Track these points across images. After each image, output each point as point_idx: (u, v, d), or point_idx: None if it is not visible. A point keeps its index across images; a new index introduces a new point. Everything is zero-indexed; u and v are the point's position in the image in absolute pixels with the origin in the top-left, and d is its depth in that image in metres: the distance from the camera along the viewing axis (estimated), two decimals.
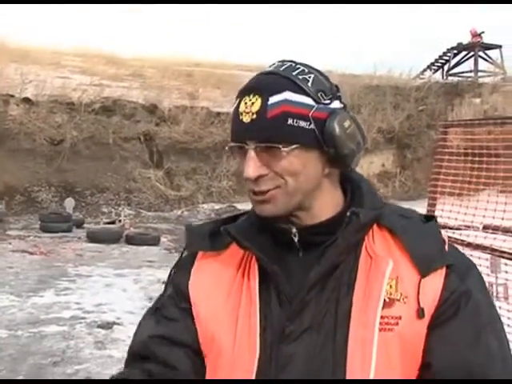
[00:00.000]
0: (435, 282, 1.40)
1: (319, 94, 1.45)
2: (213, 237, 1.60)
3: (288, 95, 1.44)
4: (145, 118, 20.07)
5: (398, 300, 1.40)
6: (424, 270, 1.41)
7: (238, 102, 1.47)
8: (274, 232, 1.54)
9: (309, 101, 1.45)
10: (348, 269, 1.46)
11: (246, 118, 1.43)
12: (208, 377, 1.53)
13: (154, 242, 14.26)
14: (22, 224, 16.01)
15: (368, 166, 21.11)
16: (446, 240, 1.48)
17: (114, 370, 6.81)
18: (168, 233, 15.59)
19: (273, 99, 1.43)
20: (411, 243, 1.45)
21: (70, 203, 17.23)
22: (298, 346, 1.47)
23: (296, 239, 1.51)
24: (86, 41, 26.16)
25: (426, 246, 1.44)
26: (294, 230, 1.51)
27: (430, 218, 1.55)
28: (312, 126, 1.42)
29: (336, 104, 1.47)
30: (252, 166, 1.45)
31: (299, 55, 26.17)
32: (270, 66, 1.52)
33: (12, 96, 18.66)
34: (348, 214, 1.47)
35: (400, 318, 1.39)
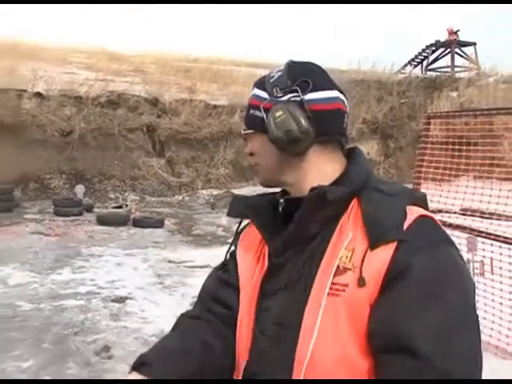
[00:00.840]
0: (383, 254, 1.38)
1: (274, 89, 1.55)
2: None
3: (254, 90, 1.61)
4: (147, 110, 19.99)
5: (350, 269, 1.41)
6: (373, 242, 1.40)
7: None
8: (271, 201, 1.66)
9: (264, 94, 1.58)
10: (323, 240, 1.49)
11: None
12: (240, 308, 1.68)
13: (159, 224, 14.27)
14: (37, 208, 15.96)
15: None
16: (413, 217, 1.44)
17: (128, 339, 6.96)
18: (171, 216, 15.58)
19: (250, 95, 1.62)
20: (369, 217, 1.45)
21: (80, 189, 17.21)
22: (273, 301, 1.57)
23: (280, 209, 1.62)
24: (90, 39, 25.96)
25: (382, 220, 1.43)
26: (281, 201, 1.62)
27: (418, 196, 1.55)
28: (262, 114, 1.56)
29: (287, 97, 1.54)
30: (246, 145, 1.65)
31: (290, 52, 26.10)
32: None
33: (25, 91, 18.53)
34: (310, 190, 1.53)
35: (347, 285, 1.40)
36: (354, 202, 1.49)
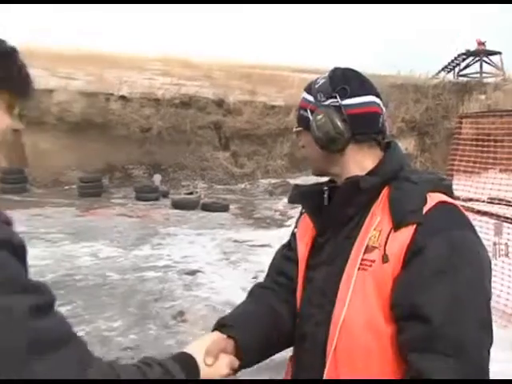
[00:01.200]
0: (404, 235, 1.39)
1: (318, 94, 1.57)
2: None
3: (304, 94, 1.64)
4: (214, 110, 20.06)
5: (377, 247, 1.43)
6: (396, 225, 1.41)
7: None
8: (316, 186, 1.68)
9: (310, 98, 1.60)
10: (358, 223, 1.51)
11: None
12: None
13: (224, 209, 14.28)
14: (121, 194, 16.22)
15: None
16: (433, 203, 1.44)
17: (199, 306, 7.05)
18: (234, 202, 15.62)
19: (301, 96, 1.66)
20: (394, 203, 1.46)
21: (157, 178, 17.39)
22: (316, 273, 1.62)
23: (325, 195, 1.64)
24: (166, 49, 26.14)
25: (405, 205, 1.43)
26: (325, 188, 1.64)
27: (442, 184, 1.54)
28: (308, 115, 1.59)
29: (328, 102, 1.56)
30: (300, 142, 1.69)
31: (342, 59, 25.82)
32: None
33: (111, 94, 18.81)
34: (345, 179, 1.56)
35: (374, 261, 1.42)
36: (385, 190, 1.51)
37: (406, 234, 1.40)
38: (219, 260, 9.35)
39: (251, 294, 1.89)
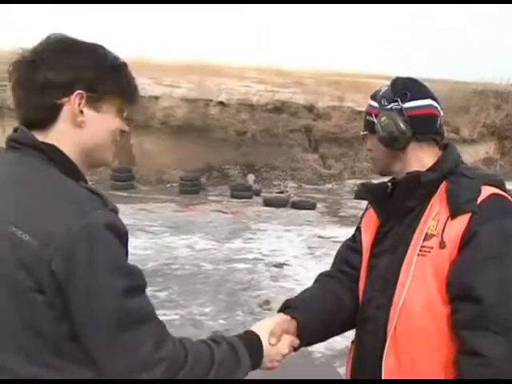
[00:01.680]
0: (460, 223, 1.46)
1: (382, 100, 1.65)
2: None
3: (369, 101, 1.72)
4: (305, 115, 20.03)
5: (435, 235, 1.49)
6: (452, 214, 1.48)
7: None
8: (381, 184, 1.76)
9: (375, 104, 1.68)
10: (418, 214, 1.57)
11: None
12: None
13: (312, 207, 14.25)
14: (217, 192, 16.42)
15: (476, 153, 20.23)
16: (486, 195, 1.49)
17: (284, 296, 7.12)
18: (322, 201, 15.57)
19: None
20: (451, 194, 1.52)
21: (251, 178, 17.55)
22: (379, 260, 1.69)
23: (389, 190, 1.71)
24: (262, 59, 26.32)
25: (460, 197, 1.49)
26: (389, 184, 1.71)
27: (494, 179, 1.58)
28: (373, 119, 1.66)
29: (390, 106, 1.63)
30: (367, 144, 1.75)
31: (422, 67, 25.07)
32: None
33: (211, 100, 19.11)
34: (406, 174, 1.62)
35: (432, 247, 1.49)
36: (443, 185, 1.57)
37: (462, 222, 1.46)
38: (304, 254, 9.36)
39: (317, 281, 1.93)
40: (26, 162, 1.29)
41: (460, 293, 1.44)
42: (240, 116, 19.14)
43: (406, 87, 1.63)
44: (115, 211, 1.29)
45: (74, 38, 1.38)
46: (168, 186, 16.81)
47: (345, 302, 1.82)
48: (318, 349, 5.22)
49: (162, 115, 17.99)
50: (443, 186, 1.57)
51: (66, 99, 1.31)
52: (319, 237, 10.64)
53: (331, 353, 5.23)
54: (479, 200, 1.48)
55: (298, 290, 7.08)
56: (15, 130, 1.35)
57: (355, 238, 1.90)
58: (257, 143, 18.75)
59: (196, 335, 5.64)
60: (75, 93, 1.32)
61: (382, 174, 1.77)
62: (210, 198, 15.54)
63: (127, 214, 11.74)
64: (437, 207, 1.53)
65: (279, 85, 23.29)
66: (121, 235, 1.25)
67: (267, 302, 6.79)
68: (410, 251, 1.54)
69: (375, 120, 1.65)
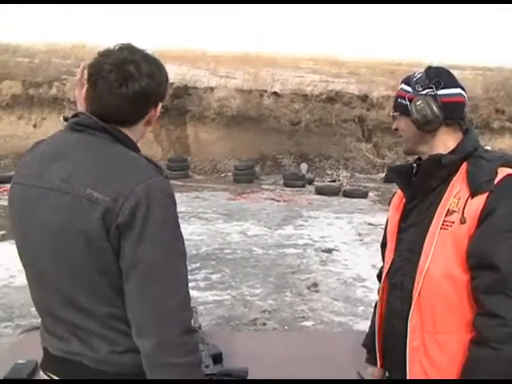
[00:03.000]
0: (478, 201, 1.62)
1: (416, 85, 1.76)
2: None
3: (402, 85, 1.83)
4: (358, 105, 19.90)
5: (456, 211, 1.66)
6: (472, 193, 1.64)
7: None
8: (408, 166, 1.90)
9: (408, 88, 1.79)
10: (440, 192, 1.73)
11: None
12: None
13: (364, 195, 14.29)
14: (271, 181, 16.60)
15: None
16: (503, 175, 1.64)
17: (332, 279, 7.26)
18: (374, 190, 15.58)
19: (398, 88, 1.84)
20: (471, 175, 1.67)
21: (304, 167, 17.61)
22: (406, 234, 1.84)
23: (414, 171, 1.86)
24: (318, 49, 26.26)
25: (480, 177, 1.65)
26: (414, 165, 1.87)
27: (509, 159, 1.73)
28: (406, 102, 1.78)
29: (425, 92, 1.76)
30: (393, 123, 1.88)
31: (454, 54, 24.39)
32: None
33: (265, 91, 19.24)
34: (444, 156, 1.73)
35: (453, 222, 1.65)
36: (464, 166, 1.72)
37: (480, 200, 1.62)
38: (354, 240, 9.48)
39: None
40: (93, 140, 1.56)
41: (479, 262, 1.60)
42: (294, 106, 19.18)
43: (439, 76, 1.77)
44: (167, 177, 1.57)
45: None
46: (222, 175, 17.15)
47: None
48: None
49: (217, 106, 18.26)
50: (464, 166, 1.71)
51: (151, 110, 1.64)
52: (369, 224, 10.69)
53: None
54: (496, 180, 1.63)
55: (346, 274, 7.28)
56: (75, 116, 1.63)
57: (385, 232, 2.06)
58: (310, 133, 18.77)
59: (246, 314, 5.93)
60: (158, 104, 1.65)
61: (408, 154, 1.91)
62: (263, 186, 15.72)
63: (182, 201, 12.12)
64: (458, 186, 1.69)
65: (334, 75, 23.22)
66: (171, 196, 1.54)
67: (315, 285, 6.97)
68: (433, 224, 1.70)
69: (408, 103, 1.79)
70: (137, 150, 1.61)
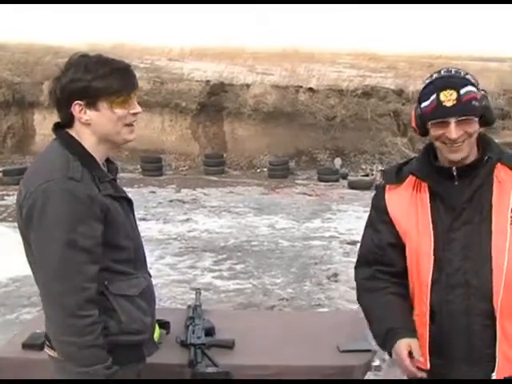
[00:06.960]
0: None
1: (477, 86, 1.82)
2: (397, 174, 1.99)
3: (470, 88, 1.79)
4: (394, 99, 19.76)
5: None
6: None
7: (435, 95, 1.80)
8: (439, 169, 1.91)
9: (475, 89, 1.80)
10: (487, 190, 1.82)
11: (449, 104, 1.77)
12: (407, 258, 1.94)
13: None
14: (305, 176, 16.77)
15: None
16: None
17: (353, 270, 7.49)
18: None
19: (463, 91, 1.78)
20: None
21: (338, 162, 17.68)
22: (459, 233, 1.86)
23: (455, 173, 1.88)
24: (356, 44, 26.20)
25: None
26: (454, 169, 1.88)
27: None
28: (478, 103, 1.80)
29: (482, 92, 1.84)
30: (455, 131, 1.79)
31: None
32: (443, 72, 1.86)
33: (301, 87, 19.34)
34: (486, 158, 1.84)
35: None
36: (498, 161, 1.86)
37: None
38: None
39: (369, 290, 2.20)
40: (51, 146, 1.92)
41: None
42: (329, 101, 19.24)
43: (472, 75, 1.84)
44: (77, 180, 1.78)
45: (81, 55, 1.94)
46: (258, 170, 17.38)
47: (405, 294, 2.02)
48: None
49: (253, 102, 18.50)
50: (499, 166, 1.85)
51: (71, 110, 1.87)
52: None
53: None
54: None
55: None
56: None
57: (380, 233, 2.09)
58: (345, 128, 18.78)
59: (264, 301, 6.23)
60: (73, 104, 1.85)
61: (461, 161, 1.88)
62: (297, 181, 15.87)
63: (216, 196, 12.49)
64: (506, 181, 1.83)
65: (371, 69, 23.15)
66: (76, 198, 1.76)
67: (335, 275, 7.16)
68: (498, 221, 1.79)
69: (479, 104, 1.81)
70: (77, 149, 1.85)
